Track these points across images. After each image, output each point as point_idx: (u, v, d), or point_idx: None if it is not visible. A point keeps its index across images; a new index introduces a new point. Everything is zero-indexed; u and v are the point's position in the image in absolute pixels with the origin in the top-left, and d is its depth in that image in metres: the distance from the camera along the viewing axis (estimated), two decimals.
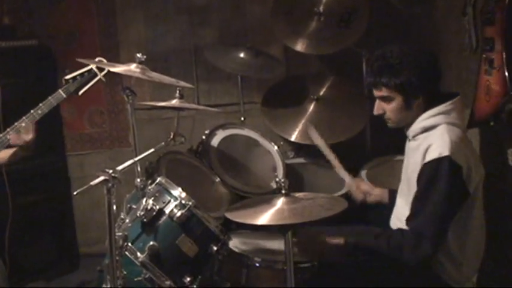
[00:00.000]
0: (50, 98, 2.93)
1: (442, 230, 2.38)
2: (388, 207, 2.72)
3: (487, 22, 2.81)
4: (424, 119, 2.46)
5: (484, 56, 2.84)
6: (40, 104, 2.91)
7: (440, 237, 2.38)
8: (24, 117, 2.89)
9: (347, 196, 3.28)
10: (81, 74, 2.97)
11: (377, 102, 2.52)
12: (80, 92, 2.99)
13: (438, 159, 2.33)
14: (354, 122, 3.69)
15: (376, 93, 2.50)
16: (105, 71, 2.96)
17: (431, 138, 2.42)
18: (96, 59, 2.91)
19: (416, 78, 2.40)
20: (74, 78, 2.97)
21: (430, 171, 2.35)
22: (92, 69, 2.97)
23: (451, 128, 2.42)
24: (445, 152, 2.33)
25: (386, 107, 2.49)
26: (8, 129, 2.88)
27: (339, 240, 2.44)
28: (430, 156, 2.36)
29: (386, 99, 2.48)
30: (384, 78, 2.43)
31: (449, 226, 2.39)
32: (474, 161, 2.43)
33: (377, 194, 2.87)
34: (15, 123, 2.88)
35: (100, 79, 2.98)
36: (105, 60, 2.92)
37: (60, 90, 2.95)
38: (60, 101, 2.96)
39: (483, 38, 2.87)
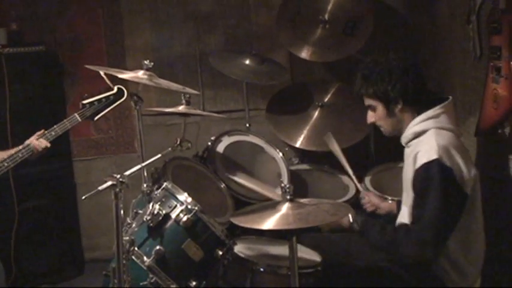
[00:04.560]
0: (65, 120, 2.95)
1: (444, 232, 2.39)
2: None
3: (493, 31, 2.82)
4: (414, 125, 2.51)
5: (491, 64, 2.84)
6: (55, 126, 2.93)
7: (441, 240, 2.40)
8: (36, 136, 2.91)
9: (351, 202, 3.30)
10: (99, 100, 3.00)
11: (368, 111, 2.63)
12: (96, 118, 3.01)
13: (427, 164, 2.37)
14: (358, 128, 3.70)
15: (364, 103, 2.62)
16: (124, 97, 3.01)
17: (420, 144, 2.46)
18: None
19: (390, 86, 2.49)
20: (91, 103, 2.99)
21: (422, 176, 2.39)
22: (109, 95, 3.00)
23: (440, 132, 2.45)
24: (433, 156, 2.36)
25: (374, 116, 2.60)
26: (20, 147, 2.87)
27: (347, 217, 2.57)
28: (419, 162, 2.40)
29: (371, 108, 2.60)
30: (362, 89, 2.57)
31: (452, 231, 2.40)
32: (465, 163, 2.44)
33: (385, 207, 2.92)
34: (26, 142, 2.89)
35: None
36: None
37: (76, 114, 2.97)
38: (75, 124, 2.98)
39: (490, 46, 2.88)
